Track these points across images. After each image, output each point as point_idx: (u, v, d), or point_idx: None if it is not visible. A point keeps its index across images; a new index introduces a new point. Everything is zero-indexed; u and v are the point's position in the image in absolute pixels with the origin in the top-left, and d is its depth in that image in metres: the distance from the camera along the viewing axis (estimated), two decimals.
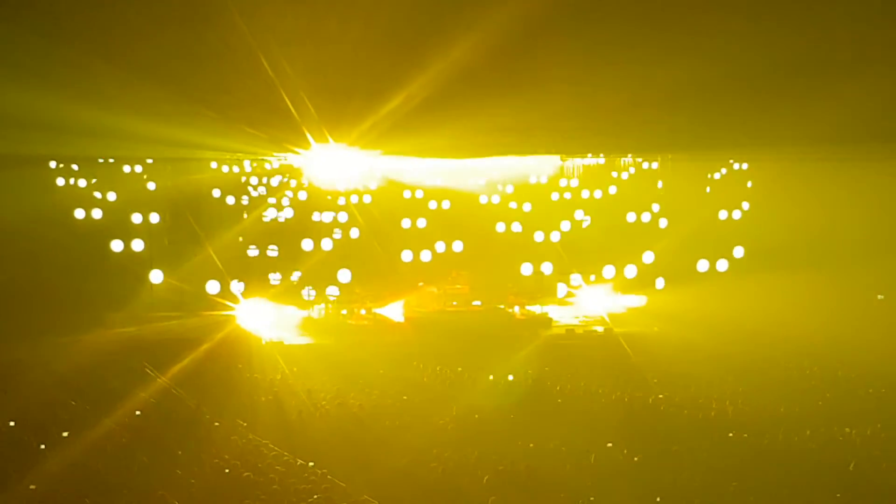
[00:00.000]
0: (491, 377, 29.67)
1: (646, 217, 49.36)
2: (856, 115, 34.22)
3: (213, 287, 38.30)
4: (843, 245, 41.98)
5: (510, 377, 29.28)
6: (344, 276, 41.68)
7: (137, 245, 42.06)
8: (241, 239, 47.20)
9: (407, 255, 44.29)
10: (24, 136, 36.18)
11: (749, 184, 52.14)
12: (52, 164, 48.86)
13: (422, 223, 49.02)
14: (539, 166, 54.70)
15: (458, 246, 45.91)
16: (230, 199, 51.14)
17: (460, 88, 34.87)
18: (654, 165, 55.57)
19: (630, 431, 23.40)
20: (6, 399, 16.79)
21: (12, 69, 31.03)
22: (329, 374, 30.90)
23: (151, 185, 51.26)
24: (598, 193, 53.18)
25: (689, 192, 50.79)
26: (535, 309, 43.85)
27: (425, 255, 43.86)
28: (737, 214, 49.24)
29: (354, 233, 48.44)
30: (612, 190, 53.97)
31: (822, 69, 34.02)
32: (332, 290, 42.42)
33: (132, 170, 51.30)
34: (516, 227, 48.92)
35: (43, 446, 14.06)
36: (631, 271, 42.96)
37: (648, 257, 43.37)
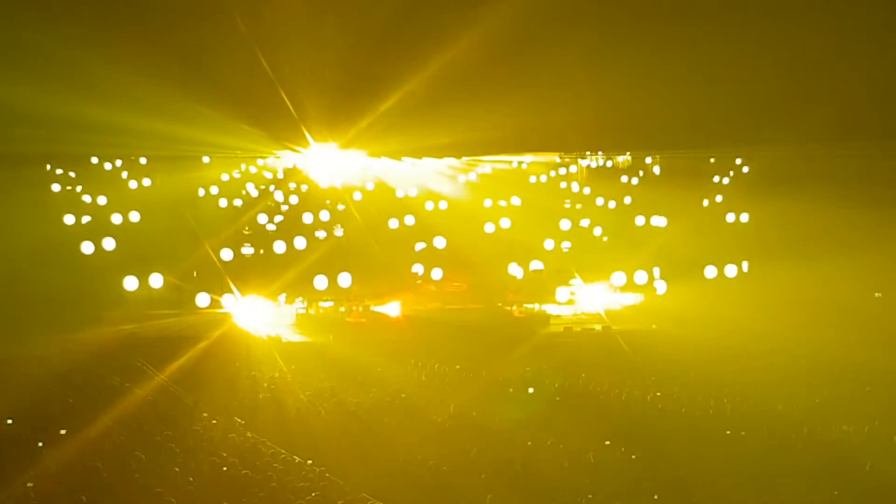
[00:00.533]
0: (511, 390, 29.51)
1: (643, 219, 49.19)
2: (853, 113, 34.30)
3: (203, 300, 38.23)
4: (841, 244, 41.88)
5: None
6: (344, 277, 41.73)
7: (132, 243, 42.13)
8: (238, 236, 47.16)
9: (418, 269, 44.39)
10: (17, 133, 36.03)
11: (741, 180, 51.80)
12: (48, 167, 48.35)
13: (420, 222, 48.89)
14: (538, 166, 54.40)
15: (454, 245, 45.98)
16: (223, 202, 50.83)
17: (457, 86, 34.90)
18: (656, 170, 55.34)
19: (628, 429, 23.40)
20: (4, 396, 16.78)
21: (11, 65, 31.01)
22: (327, 372, 30.88)
23: (142, 183, 50.92)
24: (600, 199, 52.69)
25: (690, 192, 50.48)
26: (534, 307, 43.85)
27: (436, 273, 43.88)
28: (734, 217, 49.00)
29: (352, 231, 48.32)
30: (615, 190, 53.58)
31: (821, 67, 34.08)
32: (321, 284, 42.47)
33: (113, 166, 50.92)
34: (516, 226, 48.79)
35: (41, 444, 14.02)
36: (631, 271, 43.12)
37: (649, 258, 43.58)
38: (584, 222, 50.21)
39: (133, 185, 50.63)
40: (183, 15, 33.77)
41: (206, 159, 49.53)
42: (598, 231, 49.45)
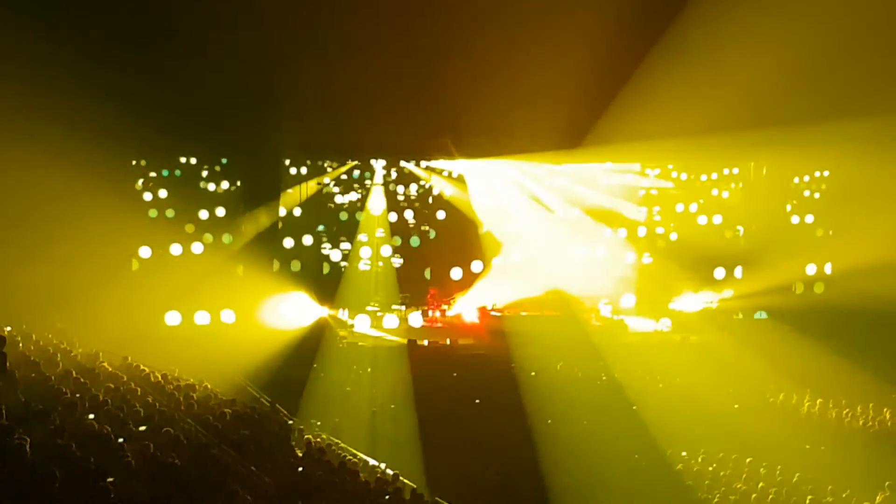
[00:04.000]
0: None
1: (721, 223, 48.17)
2: None
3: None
4: None
5: None
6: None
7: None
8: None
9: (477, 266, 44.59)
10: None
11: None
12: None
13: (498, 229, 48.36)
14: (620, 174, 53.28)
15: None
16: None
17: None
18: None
19: (705, 440, 23.06)
20: (87, 392, 17.10)
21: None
22: (403, 376, 31.05)
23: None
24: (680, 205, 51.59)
25: (770, 200, 49.20)
26: (612, 316, 43.56)
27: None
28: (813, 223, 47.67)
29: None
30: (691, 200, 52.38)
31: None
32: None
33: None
34: (592, 233, 48.18)
35: (121, 440, 14.26)
36: (710, 280, 42.82)
37: (727, 267, 43.24)
38: (660, 230, 49.47)
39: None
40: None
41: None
42: (672, 237, 48.41)
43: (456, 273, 43.38)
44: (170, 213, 43.03)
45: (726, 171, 50.77)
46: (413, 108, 36.90)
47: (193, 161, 45.82)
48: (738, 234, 47.61)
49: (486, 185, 48.03)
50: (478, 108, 35.87)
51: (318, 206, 48.35)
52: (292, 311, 39.93)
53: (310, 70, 34.92)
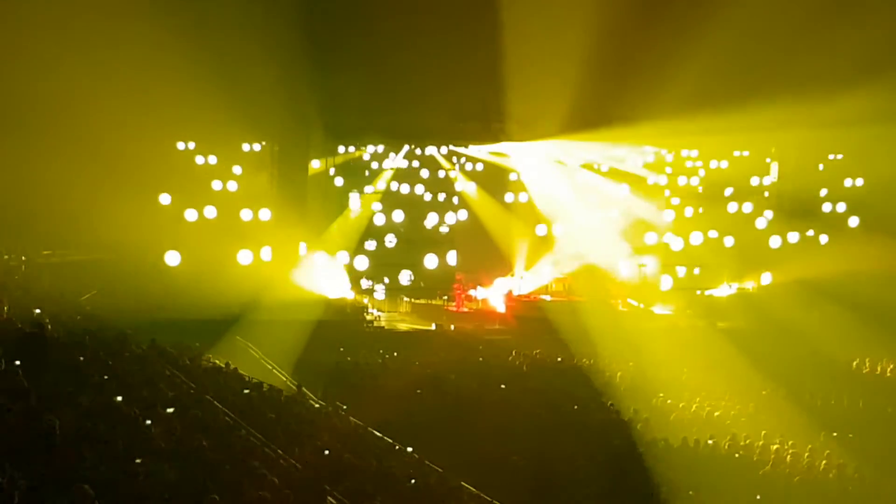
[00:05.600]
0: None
1: (747, 207, 47.62)
2: None
3: None
4: None
5: None
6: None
7: None
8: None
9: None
10: None
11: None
12: None
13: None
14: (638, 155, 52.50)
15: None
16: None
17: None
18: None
19: (734, 427, 22.95)
20: (114, 374, 17.21)
21: None
22: (429, 360, 31.06)
23: None
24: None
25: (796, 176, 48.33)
26: (638, 304, 43.45)
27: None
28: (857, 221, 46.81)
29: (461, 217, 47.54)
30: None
31: None
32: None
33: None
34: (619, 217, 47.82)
35: (149, 422, 14.34)
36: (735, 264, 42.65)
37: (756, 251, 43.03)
38: (687, 212, 48.91)
39: None
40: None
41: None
42: (702, 222, 47.88)
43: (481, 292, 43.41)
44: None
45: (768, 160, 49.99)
46: (446, 88, 36.64)
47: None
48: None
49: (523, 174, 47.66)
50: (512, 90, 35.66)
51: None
52: (325, 278, 39.91)
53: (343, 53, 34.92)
